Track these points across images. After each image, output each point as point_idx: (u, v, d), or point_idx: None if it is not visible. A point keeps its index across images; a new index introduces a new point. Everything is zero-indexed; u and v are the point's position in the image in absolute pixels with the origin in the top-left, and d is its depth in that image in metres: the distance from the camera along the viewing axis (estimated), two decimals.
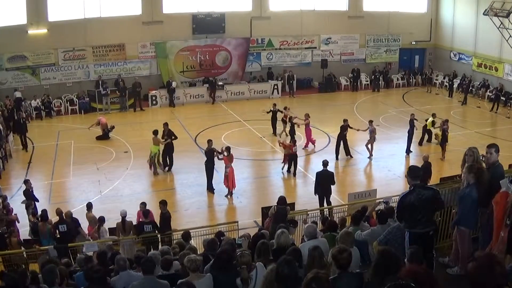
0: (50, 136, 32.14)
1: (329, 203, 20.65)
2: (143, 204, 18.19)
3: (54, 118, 36.44)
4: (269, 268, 7.22)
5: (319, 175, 20.87)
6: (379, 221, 11.38)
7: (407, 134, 28.53)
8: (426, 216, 9.65)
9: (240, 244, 11.00)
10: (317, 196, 20.87)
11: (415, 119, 28.58)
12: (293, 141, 25.75)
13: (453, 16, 44.89)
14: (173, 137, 26.04)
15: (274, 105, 31.42)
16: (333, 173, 21.32)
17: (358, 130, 27.94)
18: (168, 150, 26.19)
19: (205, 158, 23.79)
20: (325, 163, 20.99)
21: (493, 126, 34.58)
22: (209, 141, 23.93)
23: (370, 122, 28.05)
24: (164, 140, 25.86)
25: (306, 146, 29.27)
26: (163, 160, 26.32)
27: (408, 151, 28.52)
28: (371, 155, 27.78)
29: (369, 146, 27.76)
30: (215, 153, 23.56)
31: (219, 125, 31.06)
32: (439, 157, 27.16)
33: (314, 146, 29.26)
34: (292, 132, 28.84)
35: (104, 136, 31.11)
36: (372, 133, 27.57)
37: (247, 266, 8.54)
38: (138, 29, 39.05)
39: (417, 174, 9.69)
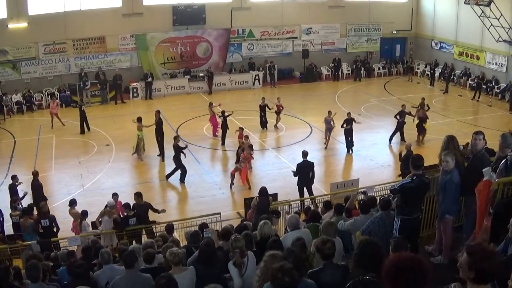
0: (31, 130, 31.85)
1: (311, 193, 20.65)
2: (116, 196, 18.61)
3: (36, 112, 36.10)
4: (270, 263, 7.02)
5: (300, 166, 20.61)
6: (361, 211, 11.40)
7: (395, 124, 28.37)
8: (420, 203, 9.93)
9: (209, 237, 10.86)
10: (297, 187, 20.76)
11: (406, 112, 28.27)
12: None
13: (434, 5, 44.98)
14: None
15: (263, 99, 31.07)
16: (313, 163, 21.18)
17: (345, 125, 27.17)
18: (158, 136, 26.41)
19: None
20: (305, 154, 20.81)
21: (475, 115, 34.76)
22: (175, 138, 24.28)
23: (329, 112, 27.70)
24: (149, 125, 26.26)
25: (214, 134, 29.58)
26: (159, 147, 26.53)
27: (390, 139, 28.49)
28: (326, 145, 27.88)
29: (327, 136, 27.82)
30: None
31: (200, 117, 30.91)
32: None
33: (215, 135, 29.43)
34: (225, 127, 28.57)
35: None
36: (328, 124, 27.46)
37: (241, 251, 8.52)
38: (118, 21, 38.72)
39: (419, 164, 9.76)
